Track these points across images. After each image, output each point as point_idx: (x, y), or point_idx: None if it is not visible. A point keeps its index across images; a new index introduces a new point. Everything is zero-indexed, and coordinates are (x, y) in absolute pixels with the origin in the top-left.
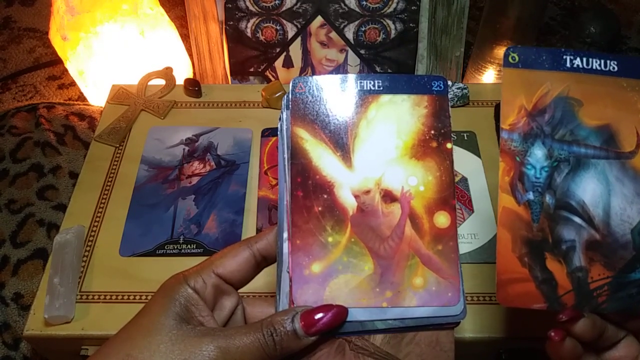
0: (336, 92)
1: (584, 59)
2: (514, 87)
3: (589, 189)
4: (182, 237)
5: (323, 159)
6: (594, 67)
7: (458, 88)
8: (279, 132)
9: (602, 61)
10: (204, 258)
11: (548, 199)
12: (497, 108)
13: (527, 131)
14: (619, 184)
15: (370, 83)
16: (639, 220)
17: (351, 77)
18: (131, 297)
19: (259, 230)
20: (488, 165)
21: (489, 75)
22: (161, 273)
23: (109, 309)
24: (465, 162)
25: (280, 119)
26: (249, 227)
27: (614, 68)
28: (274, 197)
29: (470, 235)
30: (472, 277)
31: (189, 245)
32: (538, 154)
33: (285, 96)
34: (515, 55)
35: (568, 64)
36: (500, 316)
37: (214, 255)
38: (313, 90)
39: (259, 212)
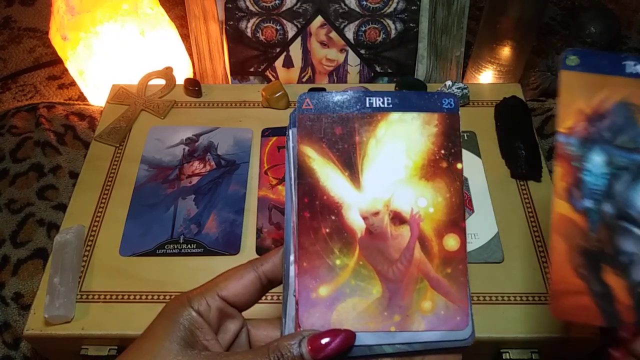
0: (344, 110)
1: None
2: (572, 90)
3: None
4: (182, 236)
5: (331, 178)
6: None
7: (458, 88)
8: (286, 150)
9: None
10: (205, 258)
11: (607, 207)
12: (497, 108)
13: (585, 136)
14: None
15: (379, 100)
16: None
17: (360, 94)
18: (131, 297)
19: (259, 231)
20: (488, 165)
21: (489, 75)
22: (161, 273)
23: (109, 309)
24: (465, 162)
25: (286, 136)
26: (249, 227)
27: None
28: (274, 197)
29: (470, 235)
30: (472, 277)
31: (189, 245)
32: (597, 160)
33: (292, 113)
34: (574, 57)
35: (629, 70)
36: (500, 316)
37: (218, 277)
38: (320, 107)
39: (259, 212)
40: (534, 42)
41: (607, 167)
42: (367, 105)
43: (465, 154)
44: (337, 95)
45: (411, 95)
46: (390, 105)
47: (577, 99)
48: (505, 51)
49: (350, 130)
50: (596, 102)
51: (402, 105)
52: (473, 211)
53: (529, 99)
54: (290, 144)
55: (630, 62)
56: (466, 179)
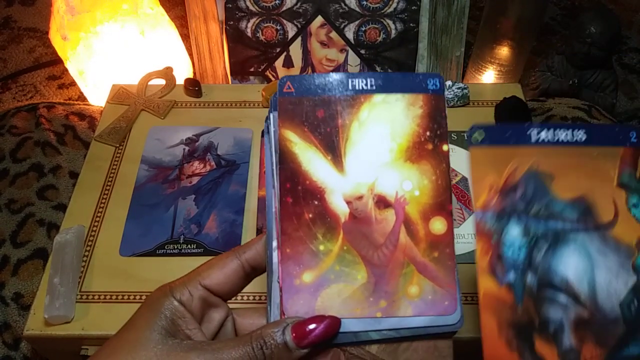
0: (326, 92)
1: (550, 132)
2: (481, 165)
3: (571, 264)
4: (182, 237)
5: (313, 163)
6: (562, 139)
7: (458, 88)
8: (265, 135)
9: (569, 132)
10: (205, 258)
11: (530, 278)
12: (498, 108)
13: (500, 210)
14: (601, 257)
15: (362, 82)
16: (626, 292)
17: (342, 76)
18: (131, 297)
19: (259, 230)
20: None
21: (489, 75)
22: (161, 273)
23: (109, 309)
24: (465, 162)
25: (267, 120)
26: (249, 227)
27: (582, 138)
28: None
29: (471, 235)
30: (472, 277)
31: (189, 245)
32: (514, 232)
33: (273, 96)
34: (480, 133)
35: (534, 139)
36: None
37: (201, 266)
38: (302, 90)
39: (259, 212)
40: (534, 42)
41: (525, 237)
42: (350, 87)
43: (466, 154)
44: (319, 78)
45: (395, 76)
46: (374, 87)
47: (487, 173)
48: (505, 51)
49: (333, 114)
50: (506, 174)
51: (386, 86)
52: (473, 211)
53: (529, 99)
54: (272, 128)
55: (535, 129)
56: (466, 179)
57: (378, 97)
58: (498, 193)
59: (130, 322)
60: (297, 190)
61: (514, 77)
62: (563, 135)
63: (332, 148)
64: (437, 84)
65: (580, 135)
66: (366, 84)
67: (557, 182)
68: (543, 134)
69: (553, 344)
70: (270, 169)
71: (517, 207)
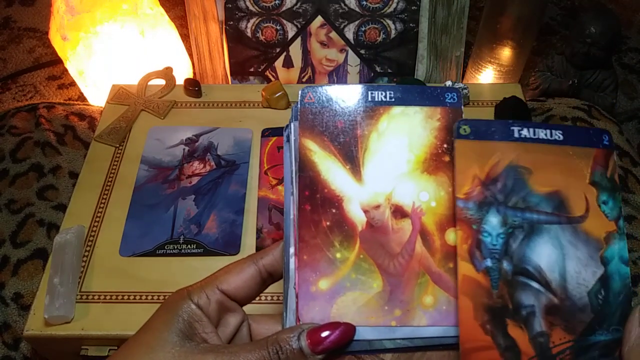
0: (346, 103)
1: (531, 130)
2: (466, 157)
3: (544, 254)
4: (182, 237)
5: (332, 172)
6: (541, 137)
7: (458, 88)
8: (285, 143)
9: (548, 131)
10: (205, 258)
11: (505, 265)
12: (497, 108)
13: (481, 200)
14: (572, 248)
15: (381, 94)
16: (594, 282)
17: (362, 88)
18: (131, 297)
19: (259, 231)
20: None
21: (489, 75)
22: (161, 273)
23: (109, 309)
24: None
25: (287, 129)
26: (249, 227)
27: (559, 137)
28: (274, 197)
29: None
30: None
31: (189, 246)
32: (493, 221)
33: (294, 106)
34: (466, 127)
35: (516, 135)
36: None
37: (219, 270)
38: (322, 101)
39: (259, 212)
40: (534, 42)
41: (502, 227)
42: (370, 98)
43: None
44: (339, 89)
45: (414, 89)
46: (393, 99)
47: (471, 165)
48: (505, 51)
49: (352, 124)
50: (488, 167)
51: (404, 99)
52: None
53: (529, 99)
54: (292, 137)
55: (517, 127)
56: None
57: (397, 109)
58: (480, 184)
59: (148, 324)
60: (316, 198)
61: (514, 77)
62: (542, 133)
63: (351, 158)
64: (455, 97)
65: (558, 135)
66: (385, 96)
67: (534, 176)
68: (524, 131)
69: (524, 327)
70: (289, 177)
71: (497, 198)
